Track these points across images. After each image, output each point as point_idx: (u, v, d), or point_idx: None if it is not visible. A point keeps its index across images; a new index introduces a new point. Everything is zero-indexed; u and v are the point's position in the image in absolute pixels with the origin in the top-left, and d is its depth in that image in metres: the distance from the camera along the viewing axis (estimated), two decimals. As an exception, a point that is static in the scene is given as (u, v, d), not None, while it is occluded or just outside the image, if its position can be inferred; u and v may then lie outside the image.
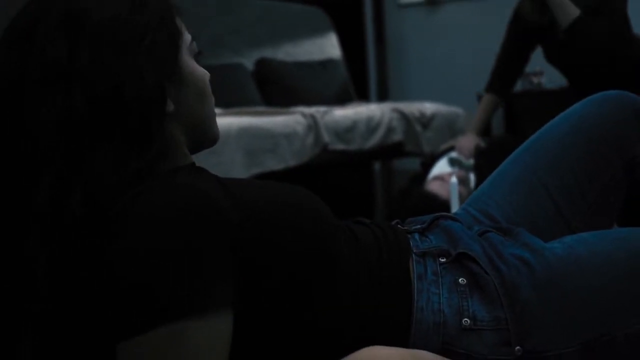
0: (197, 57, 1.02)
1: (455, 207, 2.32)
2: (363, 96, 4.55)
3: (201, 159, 2.80)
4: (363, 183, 4.18)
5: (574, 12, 2.78)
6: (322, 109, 3.56)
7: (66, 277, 0.84)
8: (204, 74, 1.01)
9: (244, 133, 2.94)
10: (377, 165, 4.19)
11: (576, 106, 1.32)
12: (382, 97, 4.62)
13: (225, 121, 2.96)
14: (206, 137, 1.02)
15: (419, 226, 1.18)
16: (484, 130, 4.04)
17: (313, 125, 3.20)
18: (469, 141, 3.22)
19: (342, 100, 4.08)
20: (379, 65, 4.66)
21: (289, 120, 3.13)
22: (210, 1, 3.90)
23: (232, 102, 3.55)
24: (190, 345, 0.79)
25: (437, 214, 1.23)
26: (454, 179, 2.32)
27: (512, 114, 4.38)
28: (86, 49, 0.88)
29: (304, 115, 3.20)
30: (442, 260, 1.04)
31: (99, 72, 0.87)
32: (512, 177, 1.27)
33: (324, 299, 0.94)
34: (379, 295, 0.98)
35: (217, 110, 3.38)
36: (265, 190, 0.99)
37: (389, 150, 3.65)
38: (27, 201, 0.85)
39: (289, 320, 0.92)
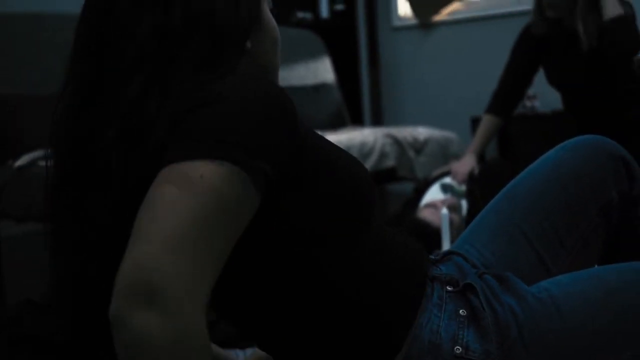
0: (271, 9, 1.10)
1: (446, 237, 2.33)
2: (357, 121, 4.57)
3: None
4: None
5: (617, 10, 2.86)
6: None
7: (137, 173, 0.90)
8: (276, 25, 1.08)
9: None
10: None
11: (551, 153, 1.35)
12: (377, 121, 4.64)
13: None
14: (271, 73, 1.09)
15: (432, 257, 1.24)
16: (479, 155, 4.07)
17: (306, 152, 3.21)
18: (464, 165, 3.23)
19: (336, 125, 4.10)
20: (373, 89, 4.68)
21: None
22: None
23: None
24: (220, 192, 0.82)
25: (450, 249, 1.29)
26: (444, 210, 2.33)
27: (506, 137, 4.40)
28: None
29: (297, 142, 3.21)
30: (449, 288, 1.09)
31: None
32: (491, 226, 1.30)
33: (336, 255, 0.99)
34: (388, 292, 1.03)
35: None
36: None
37: (382, 176, 3.66)
38: (115, 96, 0.92)
39: (296, 262, 0.97)
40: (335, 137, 3.43)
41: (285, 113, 0.93)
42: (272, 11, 1.10)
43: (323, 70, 4.36)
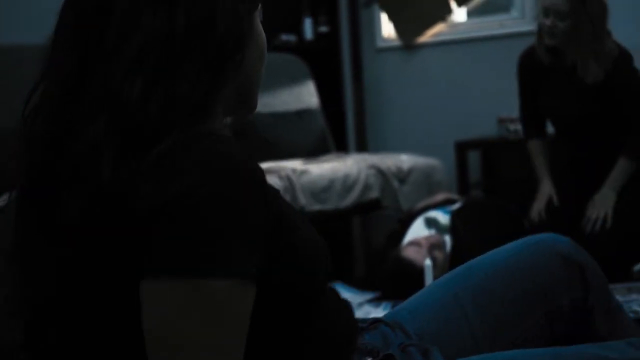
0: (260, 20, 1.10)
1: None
2: (341, 146, 4.54)
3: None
4: (341, 237, 4.17)
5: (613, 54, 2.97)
6: (299, 166, 3.55)
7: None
8: (265, 38, 1.07)
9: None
10: (355, 218, 4.18)
11: (512, 245, 1.36)
12: (361, 146, 4.62)
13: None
14: (251, 100, 1.08)
15: (360, 324, 1.24)
16: (461, 189, 4.07)
17: (289, 188, 3.20)
18: (544, 194, 3.22)
19: (319, 151, 4.08)
20: (357, 110, 4.66)
21: (265, 183, 3.12)
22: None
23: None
24: (218, 305, 0.84)
25: (378, 317, 1.31)
26: (428, 261, 2.32)
27: (488, 160, 4.40)
28: None
29: (280, 177, 3.20)
30: (368, 359, 1.12)
31: (199, 3, 0.95)
32: (436, 299, 1.30)
33: (279, 338, 1.00)
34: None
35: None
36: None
37: (366, 208, 3.65)
38: (110, 95, 0.91)
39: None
40: (319, 171, 3.42)
41: (261, 196, 0.91)
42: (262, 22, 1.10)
43: (307, 95, 4.33)
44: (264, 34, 1.07)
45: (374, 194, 3.57)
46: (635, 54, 3.05)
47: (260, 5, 1.07)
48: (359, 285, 3.24)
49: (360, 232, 4.23)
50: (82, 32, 0.96)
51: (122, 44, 0.93)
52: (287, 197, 3.18)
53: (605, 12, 2.97)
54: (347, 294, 3.14)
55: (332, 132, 4.43)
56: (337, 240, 4.10)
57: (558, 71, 3.11)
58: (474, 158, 4.33)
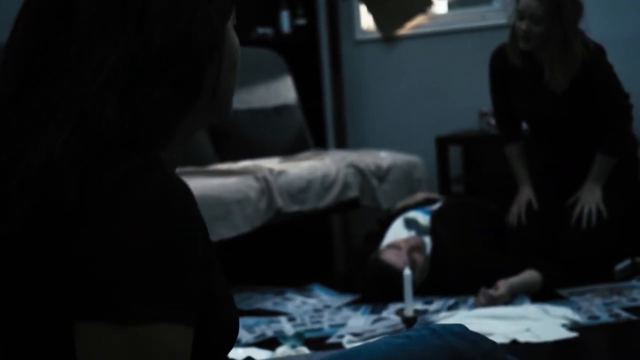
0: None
1: (409, 296, 2.28)
2: (320, 142, 4.48)
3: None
4: (320, 236, 4.12)
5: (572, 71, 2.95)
6: (276, 164, 3.49)
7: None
8: (238, 45, 1.01)
9: (194, 202, 2.86)
10: (335, 216, 4.12)
11: (395, 338, 1.22)
12: (340, 142, 4.54)
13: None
14: (220, 111, 1.02)
15: None
16: (442, 184, 4.02)
17: (266, 189, 3.13)
18: (523, 199, 3.18)
19: (298, 148, 4.01)
20: (336, 103, 4.58)
21: (240, 185, 3.06)
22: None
23: (183, 158, 3.47)
24: (155, 351, 0.82)
25: None
26: (407, 271, 2.27)
27: (469, 155, 4.35)
28: None
29: (256, 178, 3.13)
30: None
31: (174, 13, 0.90)
32: None
33: None
34: None
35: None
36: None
37: (345, 207, 3.59)
38: (72, 110, 0.85)
39: None
40: (297, 171, 3.36)
41: (198, 241, 0.86)
42: (235, 27, 1.03)
43: (284, 90, 4.26)
44: (237, 41, 1.01)
45: (353, 193, 3.51)
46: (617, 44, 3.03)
47: (234, 12, 1.01)
48: (338, 286, 3.18)
49: (340, 230, 4.18)
50: (41, 42, 0.90)
51: (88, 62, 0.87)
52: (264, 200, 3.12)
53: (579, 17, 2.93)
54: (325, 296, 3.10)
55: (311, 128, 4.36)
56: (316, 239, 4.06)
57: (529, 73, 3.07)
58: (455, 153, 4.28)
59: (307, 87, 4.53)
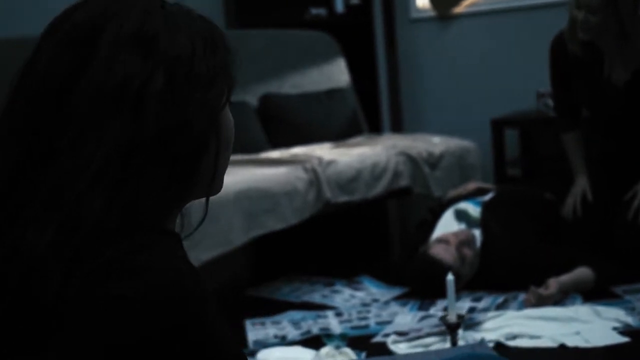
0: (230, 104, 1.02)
1: (451, 301, 2.24)
2: (375, 126, 4.41)
3: (197, 222, 2.73)
4: (377, 224, 4.06)
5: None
6: (327, 151, 3.47)
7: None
8: (232, 124, 1.00)
9: (243, 196, 2.87)
10: (391, 202, 4.06)
11: None
12: (396, 126, 4.47)
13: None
14: (212, 187, 1.00)
15: None
16: (498, 169, 3.93)
17: (314, 180, 3.12)
18: (580, 187, 3.11)
19: (350, 133, 3.97)
20: (391, 90, 4.50)
21: (289, 177, 3.05)
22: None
23: (234, 145, 3.46)
24: None
25: None
26: (450, 276, 2.23)
27: (527, 138, 4.25)
28: (162, 73, 0.87)
29: (305, 169, 3.12)
30: None
31: (171, 102, 0.87)
32: None
33: None
34: None
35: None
36: None
37: (396, 196, 3.56)
38: (61, 202, 0.84)
39: None
40: (347, 158, 3.33)
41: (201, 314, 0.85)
42: (230, 104, 1.00)
43: (337, 73, 4.22)
44: (231, 121, 0.99)
45: (404, 181, 3.47)
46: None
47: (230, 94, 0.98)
48: (390, 277, 3.15)
49: (396, 218, 4.12)
50: (36, 124, 0.87)
51: (81, 149, 0.85)
52: (312, 191, 3.11)
53: (637, 7, 2.81)
54: (374, 289, 3.08)
55: (365, 112, 4.31)
56: (371, 226, 4.01)
57: (589, 62, 2.96)
58: (510, 136, 4.19)
59: (361, 69, 4.47)
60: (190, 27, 0.92)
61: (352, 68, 4.34)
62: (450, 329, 2.24)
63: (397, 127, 4.50)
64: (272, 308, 2.91)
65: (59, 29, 0.90)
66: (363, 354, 2.39)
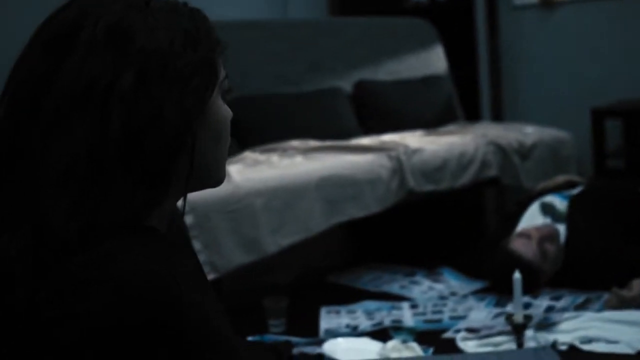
0: (227, 94, 0.99)
1: (518, 301, 2.19)
2: (473, 114, 4.32)
3: (279, 208, 2.77)
4: (469, 212, 3.99)
5: None
6: (417, 139, 3.44)
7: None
8: (225, 115, 0.97)
9: (325, 183, 2.90)
10: (489, 190, 3.97)
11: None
12: (496, 114, 4.37)
13: (305, 169, 2.93)
14: (209, 179, 0.99)
15: None
16: (597, 162, 3.78)
17: (398, 169, 3.10)
18: None
19: (445, 121, 3.92)
20: (492, 77, 4.39)
21: (373, 165, 3.05)
22: (307, 25, 3.82)
23: (326, 131, 3.49)
24: None
25: None
26: (517, 275, 2.18)
27: (631, 127, 4.06)
28: (133, 72, 0.85)
29: (389, 157, 3.10)
30: None
31: (141, 101, 0.85)
32: None
33: None
34: None
35: (312, 143, 3.26)
36: None
37: (484, 185, 3.49)
38: (29, 207, 0.83)
39: None
40: (434, 145, 3.29)
41: (175, 322, 0.83)
42: (228, 92, 0.99)
43: (435, 60, 4.16)
44: (224, 111, 0.96)
45: (492, 171, 3.40)
46: None
47: (221, 76, 0.96)
48: (472, 270, 3.11)
49: (493, 208, 4.03)
50: (14, 130, 0.87)
51: (48, 152, 0.84)
52: (396, 180, 3.09)
53: None
54: (454, 282, 3.05)
55: (464, 99, 4.23)
56: (463, 216, 3.94)
57: None
58: (611, 126, 4.01)
59: (461, 57, 4.39)
60: (172, 22, 0.90)
61: (451, 55, 4.27)
62: (516, 330, 2.20)
63: (497, 116, 4.40)
64: (350, 296, 2.93)
65: (45, 29, 0.90)
66: (430, 350, 2.38)
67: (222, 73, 0.97)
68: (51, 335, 0.80)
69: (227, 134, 0.98)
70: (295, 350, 2.41)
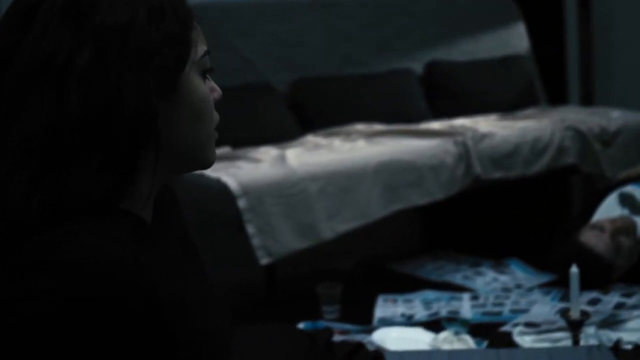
0: (208, 73, 0.95)
1: (575, 296, 2.04)
2: (559, 97, 4.08)
3: (335, 193, 2.70)
4: (550, 196, 3.78)
5: None
6: (490, 123, 3.29)
7: None
8: (205, 94, 0.92)
9: (384, 168, 2.80)
10: (575, 177, 3.75)
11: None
12: (586, 96, 4.12)
13: (363, 154, 2.84)
14: (195, 162, 0.95)
15: None
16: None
17: (464, 154, 2.96)
18: None
19: (524, 104, 3.73)
20: (583, 56, 4.14)
21: (436, 150, 2.92)
22: (377, 3, 3.70)
23: (394, 114, 3.38)
24: None
25: None
26: (574, 269, 2.02)
27: None
28: (89, 48, 0.82)
29: (455, 142, 2.97)
30: None
31: (98, 78, 0.82)
32: None
33: None
34: None
35: (377, 127, 3.19)
36: None
37: (562, 173, 3.29)
38: None
39: None
40: (507, 130, 3.13)
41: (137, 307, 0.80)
42: (209, 71, 0.94)
43: (515, 39, 3.97)
44: (201, 89, 0.91)
45: (569, 158, 3.21)
46: None
47: (199, 52, 0.91)
48: (540, 262, 2.93)
49: (579, 197, 3.81)
50: None
51: (7, 128, 0.82)
52: (461, 166, 2.95)
53: None
54: (520, 273, 2.90)
55: (547, 81, 4.02)
56: (546, 203, 3.74)
57: None
58: None
59: (546, 34, 4.17)
60: None
61: (535, 33, 4.06)
62: (571, 327, 2.05)
63: (587, 99, 4.16)
64: (410, 285, 2.82)
65: (13, 4, 0.88)
66: (484, 343, 2.25)
67: (201, 49, 0.93)
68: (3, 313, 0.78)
69: (209, 113, 0.94)
70: (343, 338, 2.34)
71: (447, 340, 2.22)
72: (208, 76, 0.95)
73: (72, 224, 0.81)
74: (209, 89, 0.94)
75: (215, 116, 0.96)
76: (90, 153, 0.82)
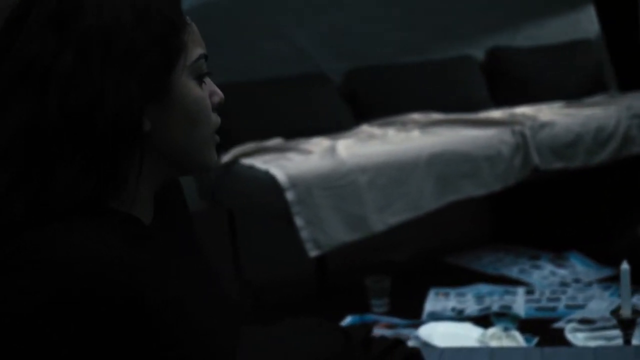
0: (204, 77, 0.93)
1: (626, 294, 1.94)
2: (632, 84, 3.89)
3: (385, 185, 2.66)
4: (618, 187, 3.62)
5: None
6: (554, 111, 3.18)
7: None
8: (200, 97, 0.91)
9: (436, 159, 2.73)
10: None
11: None
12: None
13: (416, 144, 2.78)
14: (191, 164, 0.94)
15: None
16: None
17: (522, 145, 2.86)
18: None
19: (591, 91, 3.59)
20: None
21: (492, 140, 2.84)
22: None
23: (453, 103, 3.30)
24: None
25: None
26: (625, 265, 1.92)
27: None
28: (72, 51, 0.83)
29: (513, 132, 2.88)
30: None
31: (80, 81, 0.82)
32: None
33: None
34: None
35: (434, 116, 3.12)
36: None
37: (627, 164, 3.15)
38: None
39: None
40: (570, 117, 3.02)
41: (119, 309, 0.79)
42: (206, 75, 0.92)
43: (584, 22, 3.82)
44: (195, 92, 0.90)
45: (636, 148, 3.07)
46: None
47: (192, 56, 0.90)
48: (602, 256, 2.81)
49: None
50: None
51: None
52: (519, 157, 2.86)
53: None
54: (580, 267, 2.80)
55: (619, 66, 3.84)
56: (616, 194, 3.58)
57: None
58: None
59: (618, 17, 3.99)
60: None
61: (606, 17, 3.89)
62: (622, 326, 1.95)
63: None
64: (465, 278, 2.75)
65: (10, 11, 0.89)
66: (534, 340, 2.18)
67: (195, 52, 0.91)
68: None
69: (204, 117, 0.92)
70: (390, 332, 2.31)
71: (495, 336, 2.15)
72: (209, 79, 0.93)
73: (58, 224, 0.81)
74: (209, 93, 0.93)
75: (215, 119, 0.94)
76: (74, 153, 0.82)
